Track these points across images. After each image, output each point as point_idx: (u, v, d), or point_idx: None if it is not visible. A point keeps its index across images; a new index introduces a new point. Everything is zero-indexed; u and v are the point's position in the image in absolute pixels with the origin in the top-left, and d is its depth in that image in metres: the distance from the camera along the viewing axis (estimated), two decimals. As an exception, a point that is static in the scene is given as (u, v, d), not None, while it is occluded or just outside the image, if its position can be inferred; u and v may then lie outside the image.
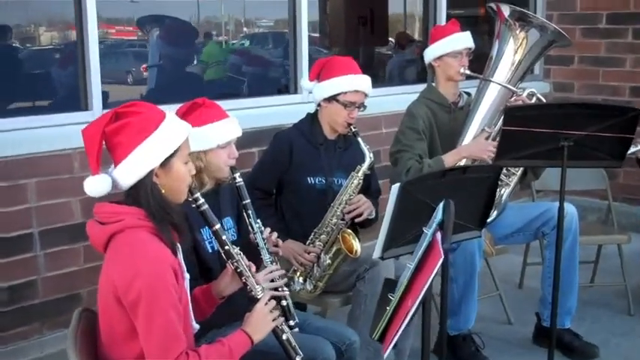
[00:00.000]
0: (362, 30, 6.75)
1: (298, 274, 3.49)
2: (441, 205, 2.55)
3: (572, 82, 6.79)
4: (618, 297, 4.75)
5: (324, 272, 3.43)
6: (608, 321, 4.52)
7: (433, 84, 4.16)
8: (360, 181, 3.45)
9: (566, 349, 4.04)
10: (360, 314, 3.37)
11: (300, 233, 3.51)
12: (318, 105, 3.56)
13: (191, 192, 2.32)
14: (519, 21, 4.05)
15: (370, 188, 3.66)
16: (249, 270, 2.43)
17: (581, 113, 3.38)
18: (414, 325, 2.93)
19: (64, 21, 4.43)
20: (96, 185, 2.14)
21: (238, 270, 2.40)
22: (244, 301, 2.51)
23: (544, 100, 4.13)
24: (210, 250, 2.80)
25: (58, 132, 3.76)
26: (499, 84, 4.01)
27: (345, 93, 3.45)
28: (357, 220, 3.50)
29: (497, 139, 3.55)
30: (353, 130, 3.47)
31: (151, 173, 2.15)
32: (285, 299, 2.79)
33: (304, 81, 3.64)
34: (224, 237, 2.39)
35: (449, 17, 6.85)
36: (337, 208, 3.43)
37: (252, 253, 2.83)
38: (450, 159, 3.84)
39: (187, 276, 2.27)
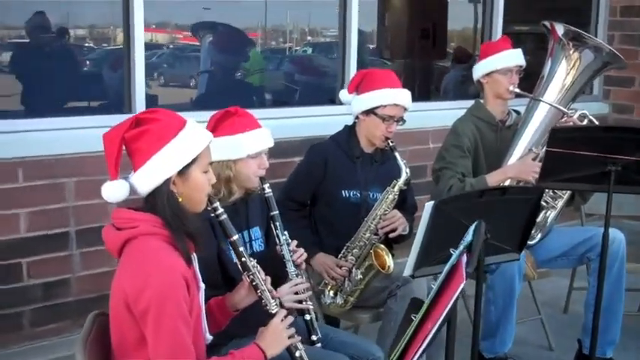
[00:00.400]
0: (423, 43, 6.69)
1: (329, 287, 3.45)
2: (472, 226, 2.48)
3: (632, 105, 6.60)
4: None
5: (356, 287, 3.38)
6: (654, 353, 4.34)
7: (481, 101, 4.07)
8: (396, 197, 3.39)
9: (605, 379, 3.89)
10: (389, 331, 3.29)
11: (334, 246, 3.47)
12: (356, 118, 3.51)
13: (210, 201, 2.29)
14: (573, 41, 3.93)
15: (406, 203, 3.60)
16: (265, 284, 2.39)
17: (630, 138, 3.26)
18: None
19: (114, 24, 4.48)
20: (113, 191, 2.13)
21: (254, 283, 2.37)
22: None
23: (596, 123, 4.00)
24: (234, 260, 2.77)
25: (99, 133, 3.76)
26: (549, 104, 3.89)
27: (384, 106, 3.39)
28: (391, 236, 3.45)
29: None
30: (390, 144, 3.42)
31: (168, 181, 2.12)
32: (309, 313, 2.76)
33: (343, 93, 3.59)
34: (241, 249, 2.36)
35: (508, 34, 6.80)
36: (371, 222, 3.38)
37: (279, 264, 2.80)
38: (493, 179, 3.75)
39: (202, 286, 2.24)
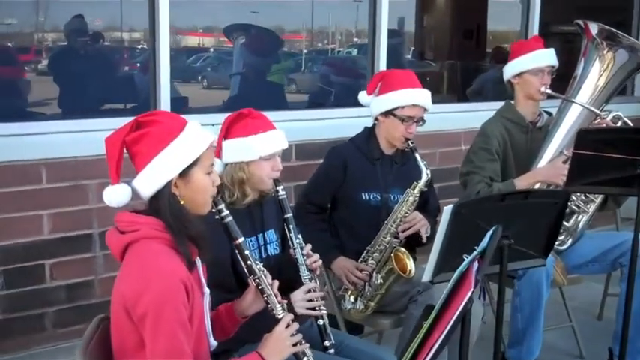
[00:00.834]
0: (467, 44, 6.62)
1: (349, 292, 3.40)
2: (490, 231, 2.41)
3: (673, 106, 6.39)
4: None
5: (376, 292, 3.32)
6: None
7: (512, 102, 3.97)
8: (416, 199, 3.33)
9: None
10: (410, 338, 3.23)
11: (354, 250, 3.41)
12: (376, 119, 3.46)
13: (215, 203, 2.26)
14: (607, 40, 3.82)
15: (428, 205, 3.53)
16: (272, 288, 2.34)
17: (662, 140, 3.16)
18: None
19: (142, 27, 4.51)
20: (114, 195, 2.12)
21: (260, 287, 2.33)
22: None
23: (631, 125, 3.88)
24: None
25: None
26: (582, 105, 3.79)
27: (403, 107, 3.33)
28: (412, 237, 3.38)
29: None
30: (411, 145, 3.35)
31: (169, 184, 2.10)
32: (322, 318, 2.72)
33: (362, 94, 3.53)
34: (247, 252, 2.32)
35: (548, 35, 6.67)
36: (391, 225, 3.32)
37: (295, 268, 2.77)
38: (522, 183, 3.67)
39: (207, 291, 2.21)
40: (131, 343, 2.05)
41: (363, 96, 3.53)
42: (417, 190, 3.31)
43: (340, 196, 3.48)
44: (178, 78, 5.37)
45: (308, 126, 4.57)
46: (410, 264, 3.23)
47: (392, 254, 3.27)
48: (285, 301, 2.41)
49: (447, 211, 2.56)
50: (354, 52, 6.31)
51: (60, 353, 3.67)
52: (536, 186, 3.69)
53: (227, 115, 2.76)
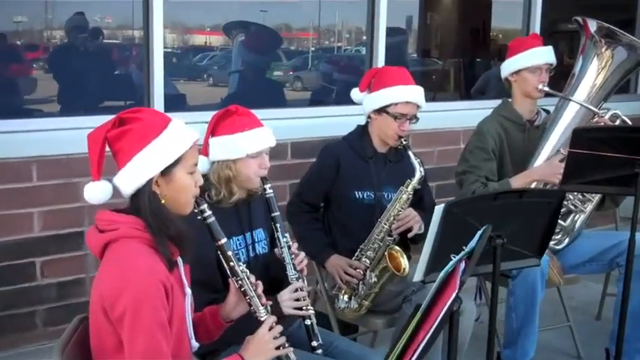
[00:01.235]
0: (473, 42, 6.58)
1: (343, 291, 3.36)
2: (479, 231, 2.37)
3: (675, 104, 6.32)
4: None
5: (370, 290, 3.28)
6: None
7: (509, 100, 3.92)
8: (410, 196, 3.29)
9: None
10: (403, 338, 3.19)
11: (348, 249, 3.38)
12: (368, 117, 3.42)
13: (197, 203, 2.22)
14: (606, 38, 3.77)
15: (422, 202, 3.49)
16: (255, 290, 2.30)
17: (659, 138, 3.11)
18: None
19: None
20: (95, 192, 2.09)
21: (242, 289, 2.29)
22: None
23: (629, 123, 3.83)
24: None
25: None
26: (579, 103, 3.74)
27: (396, 104, 3.29)
28: (408, 235, 3.35)
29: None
30: (404, 142, 3.31)
31: (150, 182, 2.07)
32: (310, 318, 2.69)
33: (355, 92, 3.49)
34: (229, 253, 2.28)
35: (553, 32, 6.61)
36: (385, 223, 3.28)
37: (281, 267, 2.74)
38: (518, 182, 3.63)
39: (189, 292, 2.17)
40: (110, 344, 2.02)
41: (355, 93, 3.49)
42: (410, 188, 3.27)
43: (333, 195, 3.45)
44: (184, 76, 5.39)
45: (305, 124, 4.54)
46: (404, 262, 3.19)
47: (386, 252, 3.23)
48: (269, 302, 2.37)
49: (438, 210, 2.53)
50: (363, 50, 6.29)
51: (50, 352, 3.62)
52: (533, 185, 3.66)
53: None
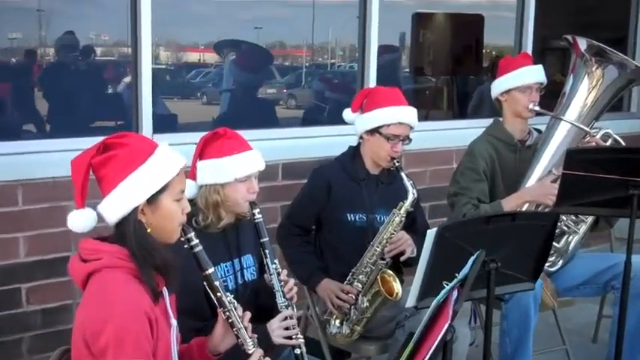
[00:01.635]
0: (465, 60, 6.56)
1: (335, 316, 3.31)
2: (472, 257, 2.33)
3: (671, 122, 6.32)
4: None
5: (362, 315, 3.23)
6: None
7: (500, 119, 3.89)
8: (403, 219, 3.24)
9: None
10: (395, 365, 3.14)
11: (340, 273, 3.33)
12: (361, 138, 3.38)
13: (184, 231, 2.17)
14: (596, 56, 3.73)
15: (415, 224, 3.44)
16: (242, 321, 2.25)
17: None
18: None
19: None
20: (78, 220, 2.05)
21: (230, 320, 2.23)
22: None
23: (622, 143, 3.79)
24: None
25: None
26: (571, 123, 3.70)
27: (388, 125, 3.26)
28: (401, 259, 3.30)
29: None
30: (396, 164, 3.27)
31: (135, 210, 2.02)
32: (300, 347, 2.64)
33: (347, 112, 3.45)
34: (216, 283, 2.22)
35: (543, 50, 6.60)
36: (377, 246, 3.23)
37: (271, 294, 2.68)
38: (510, 203, 3.58)
39: (174, 323, 2.12)
40: (92, 377, 1.96)
41: (347, 114, 3.45)
42: (403, 210, 3.23)
43: (325, 218, 3.40)
44: (177, 94, 5.35)
45: (296, 144, 4.49)
46: (397, 286, 3.15)
47: (378, 276, 3.18)
48: (256, 335, 2.31)
49: (430, 234, 2.50)
50: (356, 66, 6.27)
51: (36, 381, 3.57)
52: (525, 206, 3.62)
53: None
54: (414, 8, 6.19)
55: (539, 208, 3.60)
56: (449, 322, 1.98)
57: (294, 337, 2.61)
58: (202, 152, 2.67)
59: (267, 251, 2.67)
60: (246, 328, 2.25)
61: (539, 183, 3.65)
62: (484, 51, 6.79)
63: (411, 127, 3.31)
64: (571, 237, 3.78)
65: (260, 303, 2.75)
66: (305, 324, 3.57)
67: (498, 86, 3.84)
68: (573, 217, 3.75)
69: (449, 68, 6.60)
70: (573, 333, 4.33)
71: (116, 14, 4.19)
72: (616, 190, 3.11)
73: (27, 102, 4.24)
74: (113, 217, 2.03)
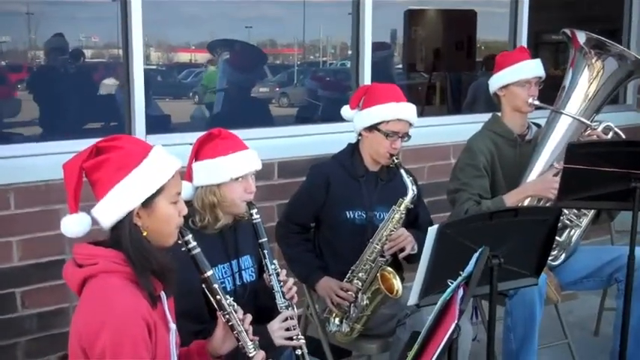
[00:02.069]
0: (458, 55, 6.53)
1: (334, 314, 3.26)
2: (476, 254, 2.29)
3: (669, 114, 6.28)
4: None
5: (362, 313, 3.19)
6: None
7: (499, 114, 3.84)
8: (402, 216, 3.21)
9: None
10: (398, 364, 3.10)
11: (339, 271, 3.29)
12: (359, 135, 3.34)
13: (182, 234, 2.12)
14: (595, 49, 3.70)
15: (418, 220, 3.41)
16: (243, 324, 2.20)
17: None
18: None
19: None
20: (72, 225, 2.00)
21: (230, 323, 2.18)
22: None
23: (622, 136, 3.76)
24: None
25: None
26: (571, 116, 3.66)
27: (387, 122, 3.21)
28: (400, 256, 3.28)
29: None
30: (395, 161, 3.22)
31: (130, 214, 1.97)
32: (301, 348, 2.60)
33: (345, 109, 3.41)
34: (215, 285, 2.17)
35: (539, 44, 6.56)
36: (377, 243, 3.20)
37: (270, 295, 2.64)
38: (512, 199, 3.54)
39: (173, 327, 2.07)
40: (88, 383, 1.91)
41: (346, 111, 3.41)
42: (402, 207, 3.19)
43: (324, 215, 3.36)
44: (169, 95, 5.30)
45: (291, 142, 4.43)
46: (397, 284, 3.12)
47: (378, 274, 3.14)
48: (257, 338, 2.26)
49: (431, 231, 2.46)
50: (348, 64, 6.24)
51: (32, 386, 3.51)
52: (527, 201, 3.58)
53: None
54: (406, 5, 6.16)
55: (541, 203, 3.56)
56: (456, 321, 1.93)
57: (295, 337, 2.58)
58: (198, 153, 2.64)
59: (265, 252, 2.63)
60: (246, 331, 2.20)
61: (540, 177, 3.61)
62: (477, 47, 6.76)
63: (410, 124, 3.27)
64: (573, 231, 3.74)
65: (259, 304, 2.71)
66: (305, 323, 3.52)
67: (496, 81, 3.79)
68: (575, 211, 3.72)
69: (442, 64, 6.56)
70: (575, 326, 4.30)
71: (106, 16, 4.15)
72: (618, 183, 3.09)
73: (18, 105, 4.19)
74: (108, 221, 1.99)
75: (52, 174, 3.46)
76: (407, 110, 3.26)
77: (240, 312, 2.23)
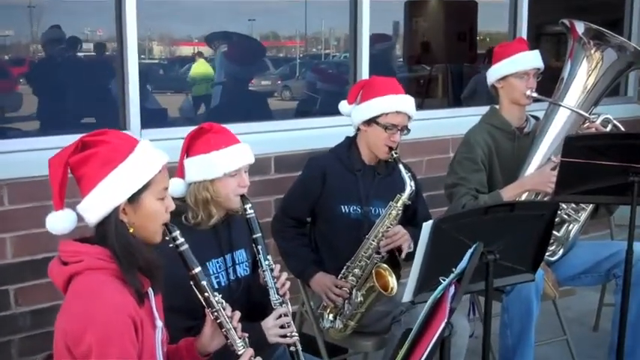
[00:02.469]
0: (460, 47, 6.48)
1: (328, 310, 3.23)
2: (470, 250, 2.25)
3: (670, 106, 6.23)
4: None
5: (356, 310, 3.15)
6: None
7: (496, 107, 3.80)
8: (399, 212, 3.17)
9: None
10: (392, 361, 3.06)
11: (334, 266, 3.25)
12: (357, 129, 3.30)
13: (169, 230, 2.09)
14: (595, 39, 3.65)
15: (417, 217, 3.36)
16: (231, 321, 2.17)
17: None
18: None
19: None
20: (57, 222, 1.97)
21: (218, 321, 2.15)
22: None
23: (622, 128, 3.71)
24: (215, 286, 2.58)
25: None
26: (570, 108, 3.62)
27: (386, 114, 3.17)
28: (402, 256, 3.23)
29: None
30: (394, 155, 3.18)
31: (116, 210, 1.94)
32: (295, 345, 2.57)
33: (342, 104, 3.36)
34: (203, 283, 2.14)
35: (540, 35, 6.51)
36: (373, 240, 3.15)
37: (265, 290, 2.61)
38: (509, 193, 3.50)
39: (160, 324, 2.04)
40: (74, 384, 1.88)
41: (343, 106, 3.36)
42: (400, 203, 3.15)
43: (319, 209, 3.32)
44: (169, 88, 5.25)
45: (288, 136, 4.40)
46: (392, 281, 3.07)
47: (373, 271, 3.10)
48: (246, 335, 2.23)
49: (426, 226, 2.42)
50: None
51: (25, 383, 3.49)
52: (524, 195, 3.55)
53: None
54: (406, -4, 6.13)
55: (539, 197, 3.53)
56: (446, 319, 1.90)
57: (289, 334, 2.55)
58: (189, 149, 2.60)
59: (259, 247, 2.60)
60: (235, 329, 2.17)
61: (538, 171, 3.57)
62: (478, 38, 6.72)
63: (409, 117, 3.23)
64: (571, 225, 3.71)
65: (253, 300, 2.68)
66: (300, 320, 3.49)
67: (494, 73, 3.75)
68: (573, 205, 3.67)
69: (443, 56, 6.52)
70: (574, 322, 4.27)
71: (104, 10, 4.10)
72: (616, 177, 3.05)
73: (12, 100, 4.16)
74: (93, 217, 1.96)
75: (46, 169, 3.41)
76: (406, 102, 3.21)
77: (229, 309, 2.20)
